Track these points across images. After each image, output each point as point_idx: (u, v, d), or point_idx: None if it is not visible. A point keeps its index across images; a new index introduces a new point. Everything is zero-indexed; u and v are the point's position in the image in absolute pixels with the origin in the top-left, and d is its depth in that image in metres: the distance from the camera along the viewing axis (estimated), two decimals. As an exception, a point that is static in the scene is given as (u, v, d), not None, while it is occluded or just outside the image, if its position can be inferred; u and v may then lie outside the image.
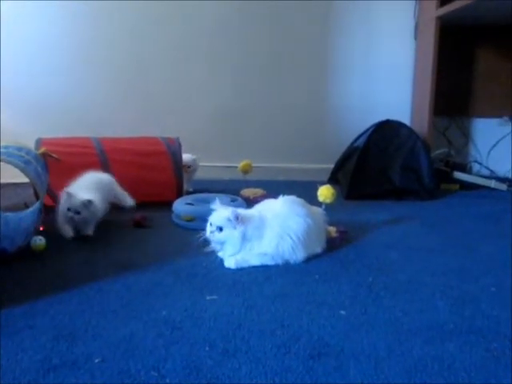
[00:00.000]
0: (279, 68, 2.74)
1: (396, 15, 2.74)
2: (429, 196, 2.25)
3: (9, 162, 1.39)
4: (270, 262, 1.36)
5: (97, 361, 0.86)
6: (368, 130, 2.44)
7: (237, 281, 1.25)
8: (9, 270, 1.28)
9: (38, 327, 0.99)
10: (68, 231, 1.54)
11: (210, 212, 1.38)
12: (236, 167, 2.29)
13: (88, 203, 1.50)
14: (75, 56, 2.56)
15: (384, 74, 2.77)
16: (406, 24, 2.73)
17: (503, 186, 2.43)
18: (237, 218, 1.33)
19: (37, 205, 1.43)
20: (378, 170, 2.29)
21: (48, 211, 1.59)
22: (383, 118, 2.42)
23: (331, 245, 1.52)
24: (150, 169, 2.01)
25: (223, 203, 1.42)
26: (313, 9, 2.68)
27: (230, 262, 1.34)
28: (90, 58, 2.57)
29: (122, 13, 2.56)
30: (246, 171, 2.25)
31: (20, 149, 1.52)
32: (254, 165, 2.28)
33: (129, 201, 1.78)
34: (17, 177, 1.65)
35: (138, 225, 1.73)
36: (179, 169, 2.05)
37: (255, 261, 1.35)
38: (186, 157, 2.17)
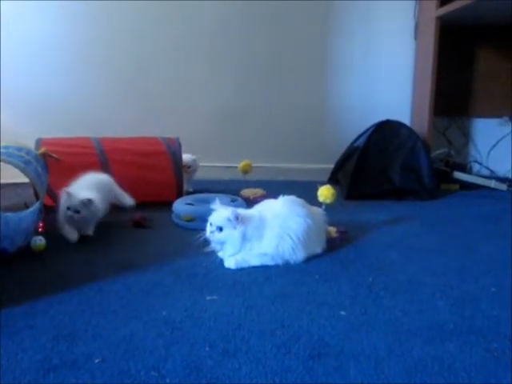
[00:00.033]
0: (279, 68, 2.74)
1: (396, 15, 2.74)
2: (429, 196, 2.25)
3: (9, 162, 1.39)
4: (270, 262, 1.36)
5: (97, 361, 0.86)
6: (368, 130, 2.44)
7: (237, 281, 1.25)
8: (9, 270, 1.28)
9: (38, 327, 0.99)
10: (72, 235, 1.52)
11: (210, 212, 1.38)
12: (236, 167, 2.29)
13: (88, 202, 1.49)
14: (75, 56, 2.56)
15: (384, 74, 2.77)
16: (406, 24, 2.73)
17: (503, 186, 2.43)
18: (237, 218, 1.33)
19: (37, 205, 1.43)
20: (378, 170, 2.29)
21: (48, 211, 1.59)
22: (383, 118, 2.42)
23: (331, 245, 1.52)
24: (150, 169, 2.01)
25: (223, 203, 1.42)
26: (313, 9, 2.68)
27: (230, 262, 1.34)
28: (90, 58, 2.57)
29: (122, 13, 2.56)
30: (246, 171, 2.25)
31: (20, 149, 1.52)
32: (254, 165, 2.28)
33: (128, 200, 1.78)
34: (17, 177, 1.65)
35: (138, 225, 1.73)
36: (179, 169, 2.05)
37: (255, 261, 1.35)
38: (186, 157, 2.17)
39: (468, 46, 2.70)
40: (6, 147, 1.48)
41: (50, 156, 1.68)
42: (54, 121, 2.46)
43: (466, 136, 2.85)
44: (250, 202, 1.86)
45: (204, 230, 1.37)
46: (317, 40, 2.75)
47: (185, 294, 1.16)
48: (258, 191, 2.19)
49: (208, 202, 1.48)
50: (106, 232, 1.63)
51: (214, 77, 2.70)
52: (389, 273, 1.32)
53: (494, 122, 2.79)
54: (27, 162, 1.47)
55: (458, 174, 2.46)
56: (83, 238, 1.55)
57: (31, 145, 1.81)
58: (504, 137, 2.75)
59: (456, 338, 0.97)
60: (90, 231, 1.56)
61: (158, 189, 2.00)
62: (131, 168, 1.98)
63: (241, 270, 1.32)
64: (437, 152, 2.64)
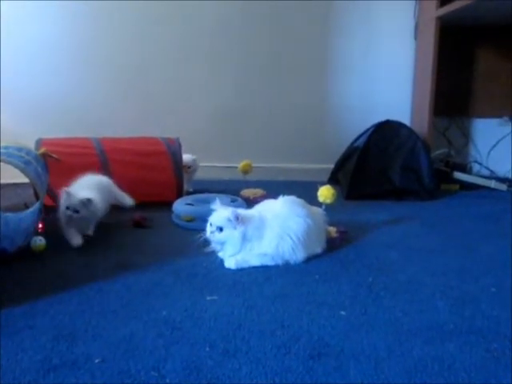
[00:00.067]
0: (279, 68, 2.74)
1: (396, 15, 2.74)
2: (429, 196, 2.25)
3: (9, 163, 1.39)
4: (270, 263, 1.36)
5: (97, 361, 0.86)
6: (368, 130, 2.44)
7: (237, 281, 1.25)
8: (9, 270, 1.28)
9: (38, 327, 0.99)
10: (76, 240, 1.49)
11: (210, 212, 1.38)
12: (236, 167, 2.29)
13: (87, 202, 1.48)
14: (75, 56, 2.56)
15: (384, 74, 2.77)
16: (406, 24, 2.73)
17: (503, 187, 2.43)
18: (237, 218, 1.33)
19: (37, 205, 1.43)
20: (378, 171, 2.29)
21: (48, 211, 1.59)
22: (383, 118, 2.42)
23: (331, 245, 1.52)
24: (150, 169, 2.01)
25: (223, 203, 1.42)
26: (313, 9, 2.68)
27: (230, 263, 1.34)
28: (89, 58, 2.57)
29: (122, 13, 2.56)
30: (246, 171, 2.25)
31: (20, 149, 1.52)
32: (254, 165, 2.28)
33: (128, 201, 1.77)
34: (17, 177, 1.65)
35: (138, 225, 1.73)
36: (179, 169, 2.05)
37: (255, 261, 1.35)
38: (186, 157, 2.17)
39: (468, 46, 2.70)
40: (6, 147, 1.48)
41: (50, 156, 1.68)
42: (54, 121, 2.46)
43: (466, 136, 2.85)
44: (250, 202, 1.86)
45: (204, 230, 1.37)
46: (317, 40, 2.75)
47: (185, 294, 1.16)
48: (258, 191, 2.19)
49: (208, 202, 1.48)
50: (106, 232, 1.63)
51: (214, 77, 2.70)
52: (389, 273, 1.32)
53: (494, 122, 2.79)
54: (27, 162, 1.47)
55: (458, 175, 2.46)
56: (83, 238, 1.55)
57: (31, 145, 1.81)
58: (504, 137, 2.75)
59: (456, 338, 0.97)
60: (89, 231, 1.56)
61: (158, 189, 2.00)
62: (131, 168, 1.97)
63: (241, 270, 1.32)
64: (437, 152, 2.64)
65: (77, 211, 1.48)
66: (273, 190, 2.01)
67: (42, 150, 1.67)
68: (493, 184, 2.43)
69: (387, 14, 2.73)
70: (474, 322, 1.04)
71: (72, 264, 1.37)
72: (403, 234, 1.69)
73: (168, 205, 1.84)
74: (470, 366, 0.87)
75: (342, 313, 1.07)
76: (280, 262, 1.36)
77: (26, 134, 2.08)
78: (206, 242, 1.39)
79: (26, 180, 1.48)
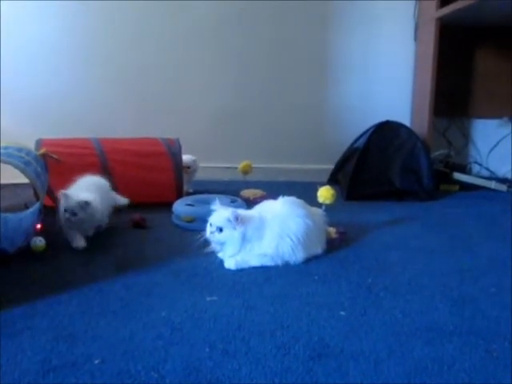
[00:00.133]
0: (279, 68, 2.74)
1: (396, 15, 2.73)
2: (429, 197, 2.25)
3: (9, 163, 1.39)
4: (269, 263, 1.36)
5: (97, 362, 0.86)
6: (368, 130, 2.44)
7: (237, 282, 1.25)
8: (9, 271, 1.28)
9: (38, 328, 0.99)
10: (80, 242, 1.48)
11: (210, 213, 1.38)
12: (236, 168, 2.29)
13: (85, 204, 1.46)
14: (75, 56, 2.56)
15: (384, 74, 2.77)
16: (406, 24, 2.73)
17: (503, 187, 2.43)
18: (237, 218, 1.33)
19: (37, 205, 1.43)
20: (378, 171, 2.28)
21: (48, 212, 1.59)
22: (383, 118, 2.42)
23: (331, 246, 1.52)
24: (150, 169, 2.01)
25: (223, 204, 1.42)
26: (313, 9, 2.68)
27: (229, 263, 1.34)
28: (90, 58, 2.57)
29: (122, 13, 2.56)
30: (245, 172, 2.25)
31: (20, 149, 1.52)
32: (253, 165, 2.28)
33: (122, 200, 1.76)
34: (17, 177, 1.65)
35: (138, 225, 1.73)
36: (179, 170, 2.05)
37: (255, 262, 1.35)
38: (186, 158, 2.17)
39: (468, 46, 2.70)
40: (6, 148, 1.48)
41: (50, 156, 1.68)
42: (54, 121, 2.46)
43: (466, 137, 2.84)
44: (249, 203, 1.86)
45: (204, 230, 1.37)
46: (317, 40, 2.75)
47: (185, 294, 1.16)
48: (258, 192, 2.19)
49: (208, 202, 1.48)
50: (105, 233, 1.63)
51: (214, 77, 2.70)
52: (389, 274, 1.32)
53: (493, 122, 2.79)
54: (27, 163, 1.47)
55: (458, 175, 2.46)
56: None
57: (31, 145, 1.81)
58: (504, 137, 2.75)
59: (456, 339, 0.97)
60: (89, 233, 1.55)
61: (157, 189, 2.00)
62: (131, 169, 1.97)
63: (241, 271, 1.32)
64: (437, 153, 2.64)
65: (75, 214, 1.46)
66: (273, 190, 2.01)
67: (42, 150, 1.67)
68: (493, 185, 2.43)
69: (387, 15, 2.73)
70: (474, 322, 1.04)
71: (72, 264, 1.37)
72: (403, 235, 1.69)
73: (168, 205, 1.84)
74: (469, 367, 0.87)
75: (342, 313, 1.07)
76: (280, 262, 1.36)
77: (25, 134, 2.07)
78: (206, 243, 1.39)
79: (25, 180, 1.48)
